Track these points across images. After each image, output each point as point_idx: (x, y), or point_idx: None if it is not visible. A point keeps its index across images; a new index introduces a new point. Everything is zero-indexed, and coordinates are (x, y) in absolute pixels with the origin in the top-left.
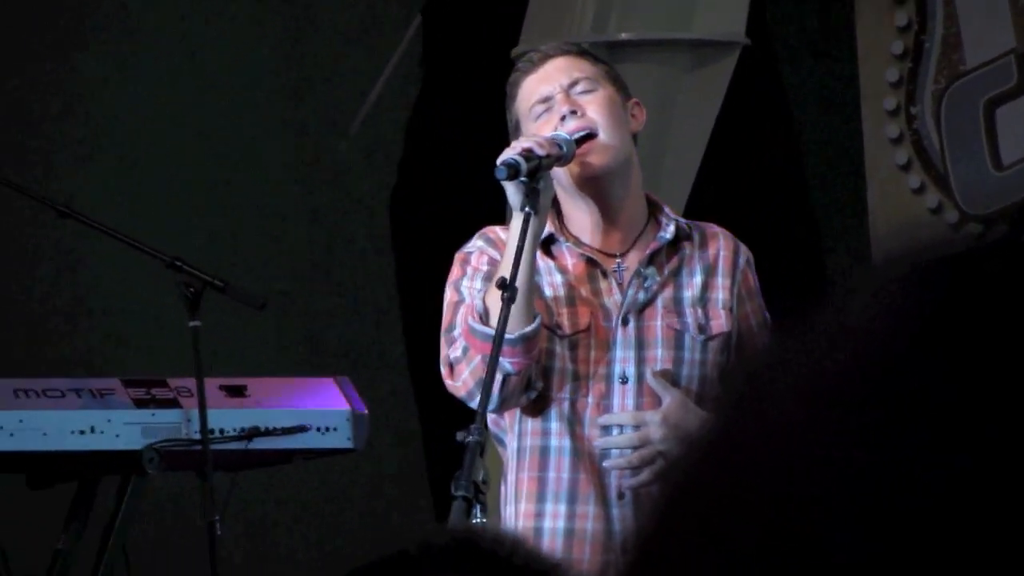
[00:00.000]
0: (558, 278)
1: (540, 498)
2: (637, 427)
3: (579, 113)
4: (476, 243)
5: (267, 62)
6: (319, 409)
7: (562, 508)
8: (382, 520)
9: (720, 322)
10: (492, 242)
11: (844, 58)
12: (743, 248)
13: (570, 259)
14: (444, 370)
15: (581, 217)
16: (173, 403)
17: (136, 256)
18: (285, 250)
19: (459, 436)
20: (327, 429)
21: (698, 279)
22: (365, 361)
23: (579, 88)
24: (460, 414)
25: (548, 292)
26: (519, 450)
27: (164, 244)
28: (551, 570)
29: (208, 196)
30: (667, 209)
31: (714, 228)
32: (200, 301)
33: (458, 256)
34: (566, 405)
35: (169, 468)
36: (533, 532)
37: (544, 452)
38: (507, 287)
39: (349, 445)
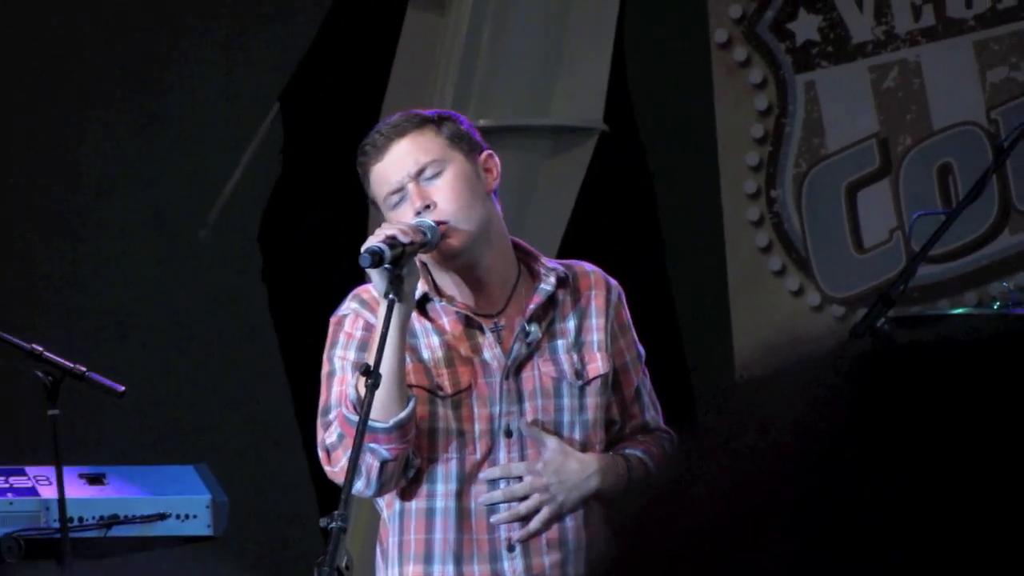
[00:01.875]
0: (436, 339)
1: (427, 560)
2: (520, 478)
3: (431, 207)
4: (350, 305)
5: (125, 150)
6: (179, 497)
7: (450, 569)
8: None
9: (596, 365)
10: (366, 303)
11: (705, 143)
12: (614, 285)
13: (446, 318)
14: (321, 455)
15: (451, 285)
16: (31, 491)
17: None
18: (144, 340)
19: (323, 522)
20: (187, 516)
21: (572, 324)
22: (225, 448)
23: (426, 174)
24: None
25: (427, 354)
26: (402, 512)
27: (22, 333)
28: None
29: (65, 282)
30: (543, 258)
31: (584, 267)
32: (59, 390)
33: (332, 320)
34: (452, 465)
35: (28, 557)
36: None
37: (430, 513)
38: (370, 374)
39: (209, 532)
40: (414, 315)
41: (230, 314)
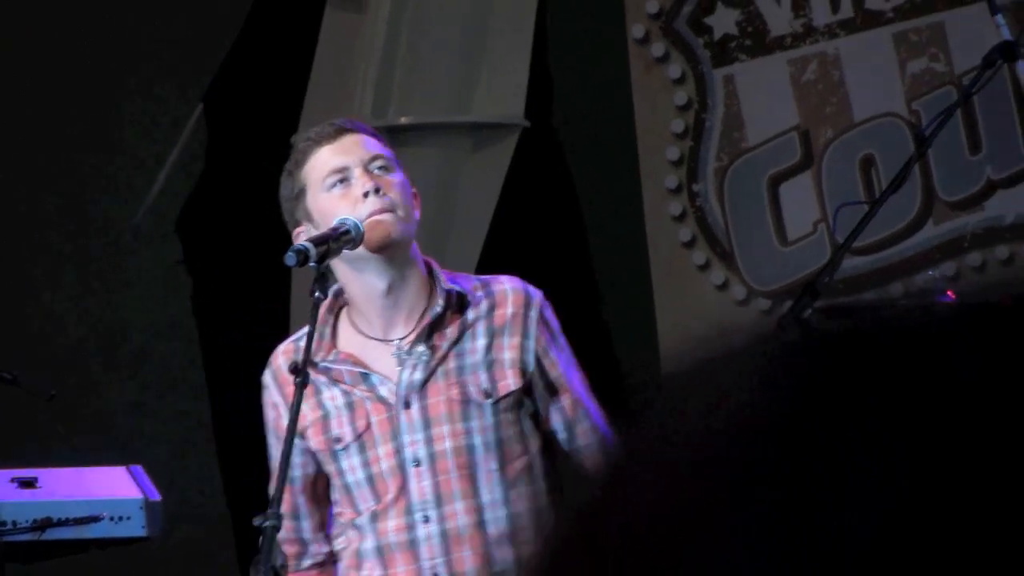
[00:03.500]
0: (335, 390)
1: None
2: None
3: (381, 192)
4: (265, 379)
5: (48, 152)
6: (112, 498)
7: None
8: None
9: (507, 382)
10: (275, 374)
11: (625, 139)
12: (534, 299)
13: (342, 368)
14: None
15: (367, 301)
16: None
17: None
18: (72, 341)
19: (256, 520)
20: (120, 518)
21: (482, 342)
22: (157, 448)
23: (378, 164)
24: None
25: (330, 406)
26: (342, 553)
27: None
28: None
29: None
30: (443, 277)
31: (504, 284)
32: None
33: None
34: (371, 508)
35: None
36: None
37: (358, 554)
38: (299, 372)
39: (143, 533)
40: (312, 373)
41: (159, 312)
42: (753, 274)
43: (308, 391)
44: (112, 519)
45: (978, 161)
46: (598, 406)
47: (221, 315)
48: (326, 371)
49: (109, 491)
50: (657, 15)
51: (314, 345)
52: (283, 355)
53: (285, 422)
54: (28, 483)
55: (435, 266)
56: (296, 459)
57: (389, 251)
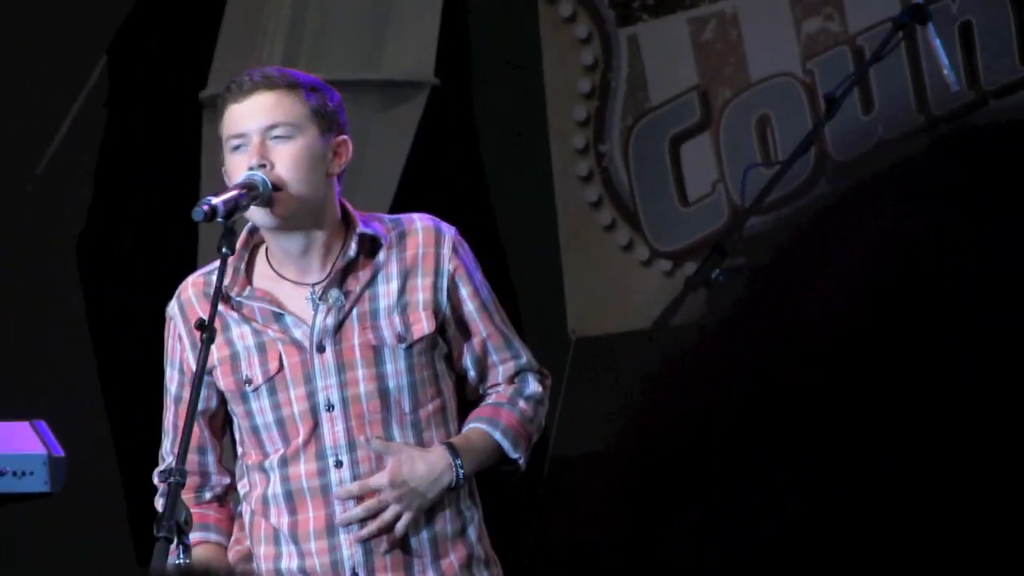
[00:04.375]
0: (245, 327)
1: (275, 541)
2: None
3: (267, 167)
4: (171, 310)
5: None
6: (15, 453)
7: (293, 548)
8: (85, 566)
9: (421, 325)
10: (182, 307)
11: (533, 98)
12: (445, 236)
13: (254, 304)
14: (157, 471)
15: (279, 251)
16: None
17: None
18: None
19: (159, 477)
20: (23, 473)
21: (395, 284)
22: (63, 404)
23: (276, 132)
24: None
25: (238, 345)
26: (246, 497)
27: None
28: None
29: None
30: (358, 220)
31: (415, 223)
32: None
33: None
34: (280, 452)
35: None
36: (275, 573)
37: (266, 500)
38: (205, 328)
39: (46, 489)
40: (222, 307)
41: (58, 267)
42: (656, 235)
43: (217, 325)
44: (15, 474)
45: (870, 121)
46: (515, 344)
47: (126, 272)
48: (238, 306)
49: (12, 446)
50: None
51: (227, 280)
52: (192, 287)
53: (189, 356)
54: None
55: (350, 209)
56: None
57: (284, 225)
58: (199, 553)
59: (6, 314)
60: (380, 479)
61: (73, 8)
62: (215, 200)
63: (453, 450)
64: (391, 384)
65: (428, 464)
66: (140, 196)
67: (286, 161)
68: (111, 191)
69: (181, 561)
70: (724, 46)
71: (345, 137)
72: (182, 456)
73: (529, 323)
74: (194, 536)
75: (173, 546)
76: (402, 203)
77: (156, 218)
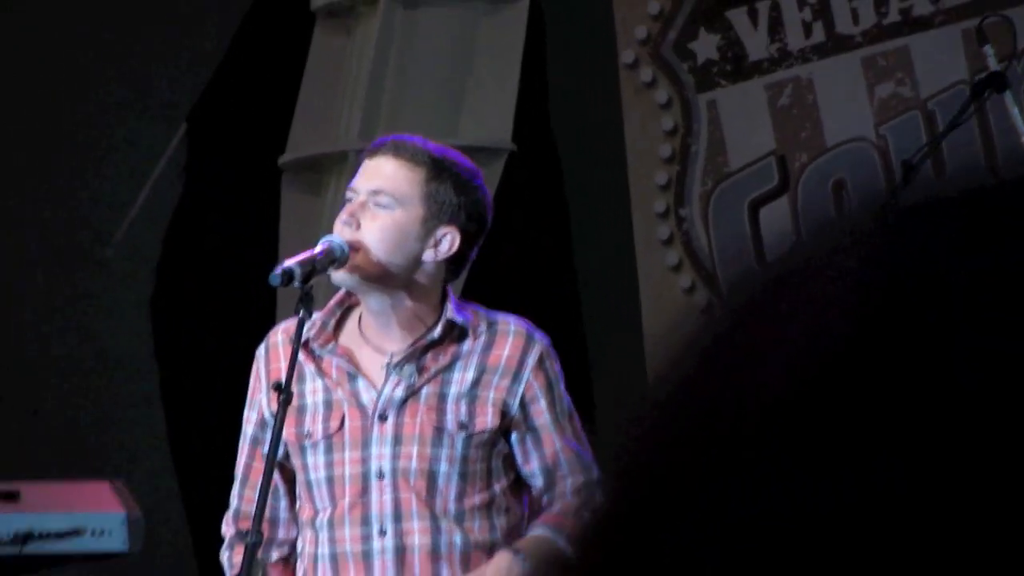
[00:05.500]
0: (318, 383)
1: None
2: None
3: (355, 227)
4: (258, 351)
5: (29, 169)
6: (94, 513)
7: None
8: None
9: (485, 419)
10: (267, 351)
11: (615, 163)
12: (536, 345)
13: (333, 360)
14: (227, 516)
15: (364, 313)
16: None
17: None
18: (57, 359)
19: (235, 536)
20: (102, 532)
21: (470, 375)
22: (141, 466)
23: (378, 199)
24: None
25: (308, 399)
26: (300, 554)
27: None
28: None
29: None
30: (452, 307)
31: (509, 324)
32: None
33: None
34: (328, 511)
35: None
36: None
37: (312, 558)
38: (283, 391)
39: (124, 549)
40: (301, 356)
41: (142, 332)
42: None
43: (295, 375)
44: (94, 533)
45: (943, 186)
46: (590, 452)
47: (200, 337)
48: (317, 359)
49: (92, 505)
50: (645, 40)
51: (315, 332)
52: (283, 333)
53: (264, 399)
54: (10, 496)
55: (450, 293)
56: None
57: (360, 287)
58: None
59: (84, 377)
60: None
61: (154, 75)
62: (291, 263)
63: (517, 553)
64: (442, 468)
65: None
66: (216, 260)
67: (373, 227)
68: (187, 256)
69: None
70: (800, 111)
71: (452, 228)
72: (258, 518)
73: (610, 388)
74: None
75: None
76: (482, 270)
77: (233, 282)
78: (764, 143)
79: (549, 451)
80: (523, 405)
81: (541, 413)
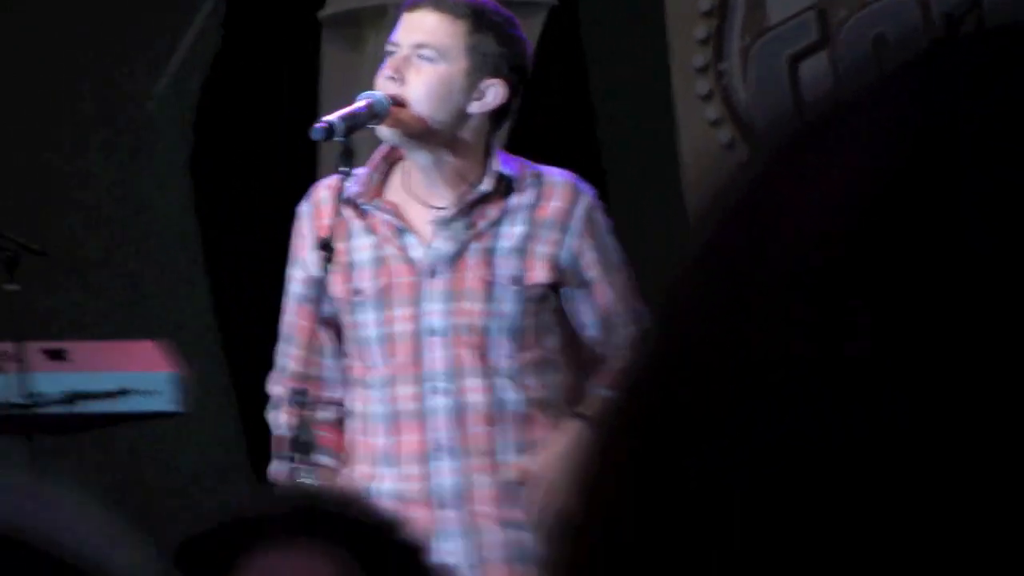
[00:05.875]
0: (366, 239)
1: (372, 461)
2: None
3: (399, 81)
4: (301, 208)
5: (74, 20)
6: (142, 372)
7: (387, 471)
8: (210, 484)
9: (536, 272)
10: (312, 208)
11: (651, 17)
12: (583, 197)
13: (380, 215)
14: (272, 374)
15: (411, 167)
16: None
17: None
18: (99, 216)
19: (277, 385)
20: (150, 392)
21: (520, 229)
22: (188, 325)
23: (422, 52)
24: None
25: (356, 255)
26: (350, 413)
27: None
28: (390, 526)
29: (14, 161)
30: (498, 159)
31: (555, 177)
32: (16, 265)
33: (295, 215)
34: (381, 370)
35: None
36: (368, 494)
37: (366, 418)
38: (327, 247)
39: (173, 408)
40: (348, 213)
41: (185, 189)
42: None
43: (341, 231)
44: (142, 393)
45: None
46: (640, 302)
47: (240, 193)
48: (363, 215)
49: (139, 365)
50: None
51: (361, 187)
52: (326, 188)
53: (310, 256)
54: (58, 354)
55: (495, 146)
56: (318, 293)
57: (405, 142)
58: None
59: (121, 237)
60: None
61: None
62: (333, 117)
63: (584, 418)
64: (495, 323)
65: (568, 455)
66: (256, 117)
67: (417, 81)
68: (226, 113)
69: (309, 481)
70: None
71: (497, 80)
72: (306, 366)
73: (650, 245)
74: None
75: (299, 466)
76: (516, 125)
77: (273, 139)
78: None
79: (602, 302)
80: (574, 257)
81: (592, 265)
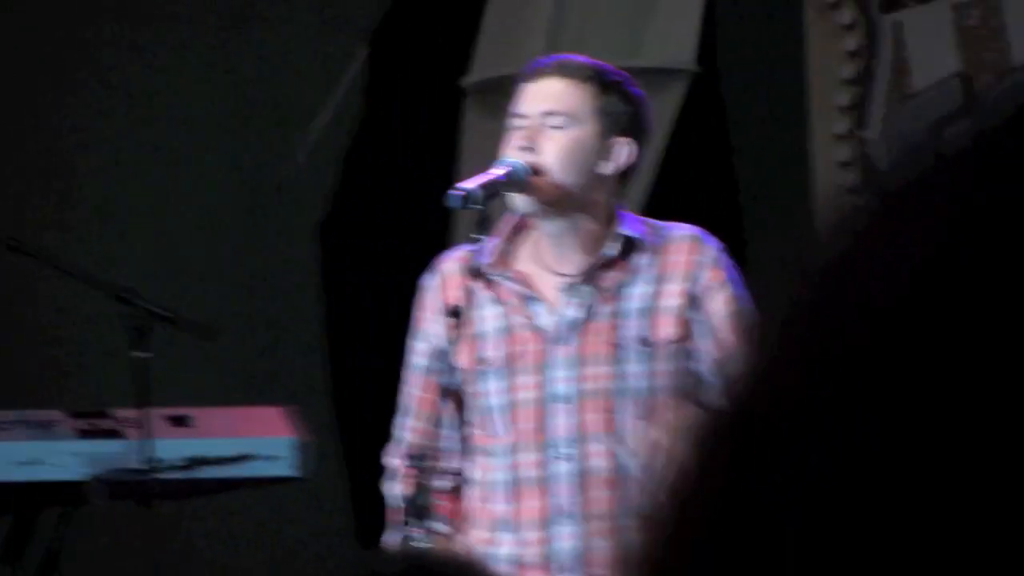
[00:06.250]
0: (494, 309)
1: (490, 527)
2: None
3: (533, 150)
4: (427, 280)
5: (218, 89)
6: (264, 438)
7: (508, 536)
8: (327, 549)
9: (666, 330)
10: (441, 279)
11: (791, 83)
12: (708, 247)
13: (509, 286)
14: (389, 447)
15: (541, 237)
16: (116, 434)
17: (80, 285)
18: (230, 283)
19: (395, 456)
20: (271, 458)
21: (648, 289)
22: (310, 392)
23: (552, 121)
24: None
25: (486, 326)
26: (469, 481)
27: (109, 270)
28: None
29: (153, 224)
30: (626, 219)
31: (680, 231)
32: (149, 333)
33: (419, 288)
34: (505, 438)
35: (113, 497)
36: (485, 559)
37: (486, 485)
38: (456, 314)
39: (294, 474)
40: (476, 285)
41: (315, 254)
42: None
43: (468, 302)
44: (263, 458)
45: None
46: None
47: (372, 258)
48: (491, 285)
49: (261, 431)
50: None
51: (491, 258)
52: (453, 260)
53: (435, 329)
54: (181, 421)
55: (619, 210)
56: (441, 365)
57: (542, 212)
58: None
59: (250, 301)
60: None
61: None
62: (470, 184)
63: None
64: (625, 385)
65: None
66: (392, 184)
67: (552, 149)
68: (365, 179)
69: (423, 545)
70: (987, 32)
71: (627, 140)
72: (425, 438)
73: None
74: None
75: (413, 532)
76: (659, 192)
77: (411, 205)
78: (949, 63)
79: (727, 346)
80: (698, 302)
81: (719, 311)
